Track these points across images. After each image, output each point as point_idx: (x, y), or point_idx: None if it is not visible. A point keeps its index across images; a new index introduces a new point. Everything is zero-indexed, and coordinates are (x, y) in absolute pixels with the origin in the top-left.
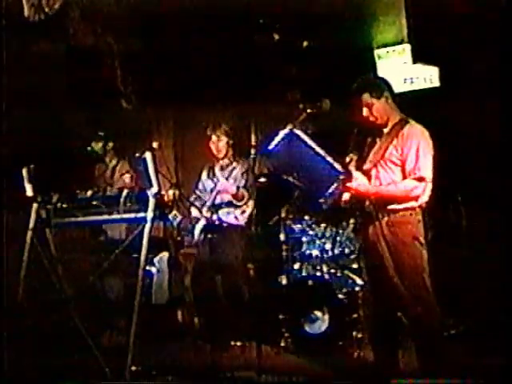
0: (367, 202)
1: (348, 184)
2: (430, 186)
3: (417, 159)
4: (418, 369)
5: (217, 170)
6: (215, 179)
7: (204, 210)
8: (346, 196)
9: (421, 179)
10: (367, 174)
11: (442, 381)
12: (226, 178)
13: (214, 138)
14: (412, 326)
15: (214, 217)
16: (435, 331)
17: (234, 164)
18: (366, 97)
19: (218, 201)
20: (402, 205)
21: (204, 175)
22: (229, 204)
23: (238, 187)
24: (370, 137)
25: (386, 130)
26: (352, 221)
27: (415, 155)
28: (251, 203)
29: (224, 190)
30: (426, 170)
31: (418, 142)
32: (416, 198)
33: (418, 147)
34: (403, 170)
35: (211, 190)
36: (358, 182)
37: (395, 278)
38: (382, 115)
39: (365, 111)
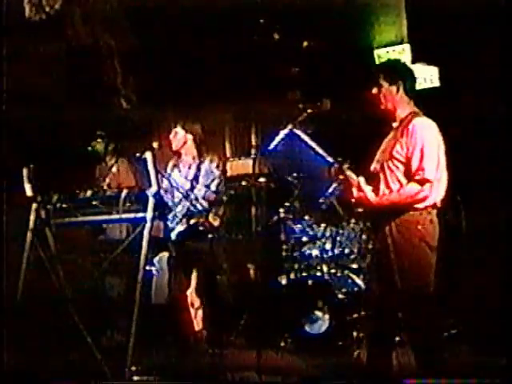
0: None
1: (351, 194)
2: (442, 185)
3: (421, 159)
4: (418, 369)
5: (182, 167)
6: (183, 178)
7: (174, 214)
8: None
9: (424, 181)
10: (375, 175)
11: (444, 381)
12: (195, 178)
13: (172, 133)
14: (411, 328)
15: (190, 222)
16: (433, 335)
17: (202, 161)
18: (380, 76)
19: (190, 206)
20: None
21: (168, 171)
22: (202, 211)
23: (209, 190)
24: (379, 135)
25: (394, 125)
26: (353, 220)
27: (419, 154)
28: (223, 205)
29: (199, 197)
30: (430, 171)
31: (423, 139)
32: (423, 200)
33: (422, 145)
34: (408, 169)
35: (180, 190)
36: (360, 194)
37: (397, 279)
38: (387, 102)
39: (374, 89)
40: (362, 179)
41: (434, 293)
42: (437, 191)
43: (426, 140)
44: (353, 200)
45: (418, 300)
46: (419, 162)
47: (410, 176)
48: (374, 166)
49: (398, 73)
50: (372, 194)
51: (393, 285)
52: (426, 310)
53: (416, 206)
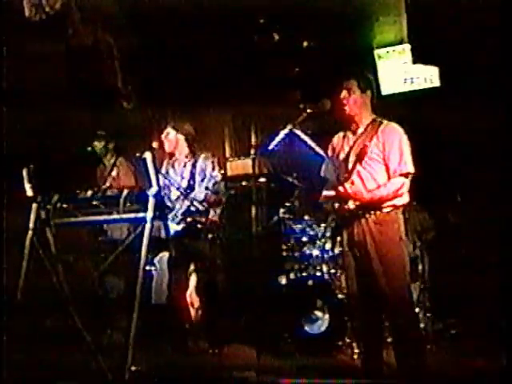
0: (351, 202)
1: (344, 189)
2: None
3: (401, 155)
4: (398, 370)
5: (177, 165)
6: (179, 176)
7: (174, 214)
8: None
9: (407, 175)
10: (351, 174)
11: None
12: (191, 177)
13: (164, 131)
14: (393, 325)
15: (187, 221)
16: (415, 331)
17: (197, 160)
18: (351, 82)
19: (190, 206)
20: (389, 203)
21: (163, 170)
22: (202, 212)
23: (208, 192)
24: (348, 137)
25: (360, 130)
26: (330, 219)
27: (398, 151)
28: (220, 204)
29: (200, 198)
30: (411, 164)
31: (400, 138)
32: (401, 195)
33: (400, 143)
34: (387, 167)
35: (179, 189)
36: (354, 188)
37: (381, 276)
38: (355, 108)
39: (343, 93)
40: (354, 174)
41: (412, 290)
42: (407, 189)
43: (402, 140)
44: (346, 194)
45: (405, 300)
46: (400, 157)
47: (391, 172)
48: (350, 165)
49: (370, 82)
50: (365, 189)
51: (378, 284)
52: (411, 310)
53: (394, 202)
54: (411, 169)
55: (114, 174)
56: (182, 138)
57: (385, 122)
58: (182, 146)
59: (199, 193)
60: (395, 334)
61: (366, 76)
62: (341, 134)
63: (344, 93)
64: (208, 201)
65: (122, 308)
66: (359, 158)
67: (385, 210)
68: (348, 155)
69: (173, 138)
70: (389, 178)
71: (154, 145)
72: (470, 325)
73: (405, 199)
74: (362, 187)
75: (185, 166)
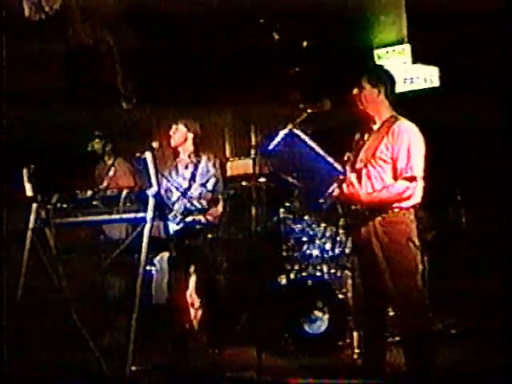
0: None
1: (341, 190)
2: (421, 184)
3: (408, 158)
4: (407, 369)
5: (180, 167)
6: (181, 177)
7: (174, 214)
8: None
9: (412, 179)
10: (358, 173)
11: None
12: (192, 177)
13: (172, 129)
14: (401, 325)
15: (187, 220)
16: (424, 332)
17: (199, 160)
18: (363, 79)
19: (187, 204)
20: (394, 205)
21: (167, 172)
22: (200, 210)
23: (205, 189)
24: (361, 135)
25: (375, 128)
26: (342, 221)
27: (406, 153)
28: (221, 205)
29: (196, 196)
30: (418, 168)
31: (409, 139)
32: (409, 198)
33: (409, 145)
34: (394, 168)
35: (179, 189)
36: (351, 189)
37: (387, 278)
38: (369, 104)
39: (355, 91)
40: (353, 176)
41: (424, 294)
42: (418, 191)
43: (412, 140)
44: (343, 197)
45: (411, 300)
46: (407, 160)
47: (397, 174)
48: (358, 165)
49: (381, 77)
50: (363, 191)
51: (383, 285)
52: (419, 309)
53: (401, 204)
54: (417, 173)
55: (111, 173)
56: (191, 136)
57: (400, 119)
58: (189, 144)
59: (195, 190)
60: (404, 334)
61: (376, 71)
62: (360, 131)
63: (355, 89)
64: (204, 198)
65: (122, 308)
66: (369, 157)
67: (391, 212)
68: (358, 153)
69: (182, 135)
70: (396, 180)
71: (154, 145)
72: (470, 325)
73: (412, 201)
74: (370, 187)
75: (187, 167)
